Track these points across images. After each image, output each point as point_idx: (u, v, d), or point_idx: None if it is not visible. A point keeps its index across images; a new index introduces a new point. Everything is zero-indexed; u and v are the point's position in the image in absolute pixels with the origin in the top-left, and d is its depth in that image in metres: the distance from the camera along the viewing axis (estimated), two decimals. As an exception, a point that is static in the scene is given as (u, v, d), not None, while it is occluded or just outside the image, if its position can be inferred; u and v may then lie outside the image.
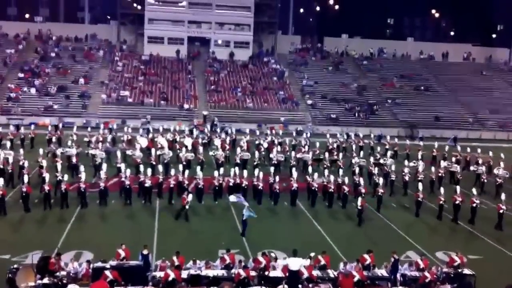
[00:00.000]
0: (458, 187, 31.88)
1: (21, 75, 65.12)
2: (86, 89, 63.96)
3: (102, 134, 43.75)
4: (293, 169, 35.54)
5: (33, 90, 62.61)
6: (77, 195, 30.22)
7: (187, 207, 28.25)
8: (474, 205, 29.93)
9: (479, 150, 43.92)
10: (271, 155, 39.85)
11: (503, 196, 30.42)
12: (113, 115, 59.21)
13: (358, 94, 70.01)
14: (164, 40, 75.47)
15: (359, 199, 29.47)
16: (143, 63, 72.03)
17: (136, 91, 65.35)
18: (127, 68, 70.49)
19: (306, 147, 42.78)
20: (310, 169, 35.35)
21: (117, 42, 76.43)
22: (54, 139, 42.22)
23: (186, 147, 40.87)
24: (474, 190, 31.61)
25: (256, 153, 39.56)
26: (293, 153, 40.23)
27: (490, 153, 42.60)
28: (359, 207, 29.06)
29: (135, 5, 77.55)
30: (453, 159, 41.87)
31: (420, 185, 32.34)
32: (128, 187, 30.98)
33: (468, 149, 44.23)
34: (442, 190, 31.70)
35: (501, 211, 29.17)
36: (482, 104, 70.29)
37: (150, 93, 65.17)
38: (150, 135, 45.21)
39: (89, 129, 46.53)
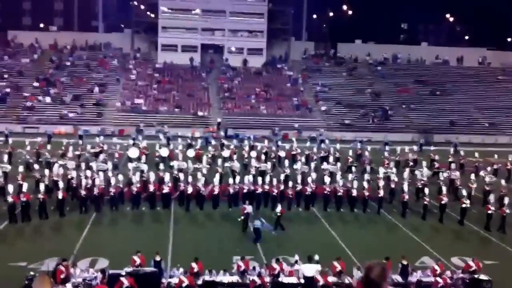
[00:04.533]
0: (444, 187, 32.87)
1: (36, 84, 65.62)
2: (101, 97, 64.36)
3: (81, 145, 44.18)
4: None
5: (48, 99, 63.09)
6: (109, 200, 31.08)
7: (243, 217, 28.19)
8: (464, 205, 30.83)
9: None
10: (295, 165, 38.49)
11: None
12: (128, 123, 59.52)
13: (373, 99, 69.80)
14: (177, 48, 75.64)
15: (279, 206, 29.00)
16: (157, 71, 72.36)
17: (150, 99, 65.70)
18: (141, 76, 70.83)
19: (331, 158, 41.43)
20: (338, 177, 34.68)
21: (131, 50, 76.87)
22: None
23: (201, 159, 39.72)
24: (463, 191, 32.41)
25: (269, 163, 39.27)
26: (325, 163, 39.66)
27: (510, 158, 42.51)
28: (278, 214, 28.57)
29: (148, 13, 77.98)
30: (488, 168, 40.34)
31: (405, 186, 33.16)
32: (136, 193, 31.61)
33: (477, 154, 43.43)
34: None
35: (489, 211, 30.10)
36: (498, 108, 69.81)
37: (164, 101, 65.46)
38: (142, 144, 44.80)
39: (97, 139, 46.10)
